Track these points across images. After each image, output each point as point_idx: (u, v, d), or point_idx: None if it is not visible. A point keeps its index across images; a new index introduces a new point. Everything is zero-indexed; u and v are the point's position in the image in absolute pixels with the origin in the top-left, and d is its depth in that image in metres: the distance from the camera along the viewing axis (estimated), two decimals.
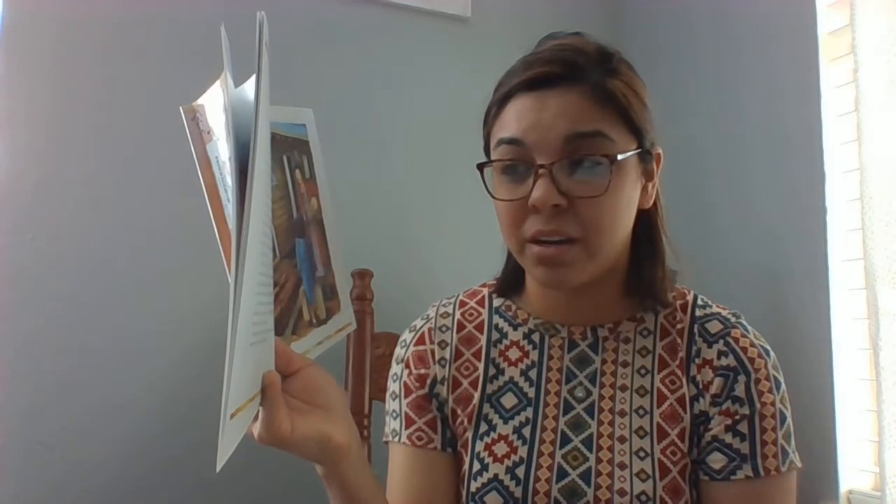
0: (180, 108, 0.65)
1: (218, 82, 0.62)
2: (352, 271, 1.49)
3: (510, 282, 0.96)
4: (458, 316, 0.96)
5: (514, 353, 0.92)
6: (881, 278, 1.16)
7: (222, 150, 0.63)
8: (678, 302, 0.92)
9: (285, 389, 0.64)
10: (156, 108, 1.46)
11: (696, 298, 0.93)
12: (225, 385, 0.52)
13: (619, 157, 0.79)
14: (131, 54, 1.49)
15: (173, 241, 1.48)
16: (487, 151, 0.88)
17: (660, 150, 0.88)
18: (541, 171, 0.79)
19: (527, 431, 0.88)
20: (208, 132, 0.64)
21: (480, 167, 0.85)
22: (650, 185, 0.87)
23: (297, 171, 0.71)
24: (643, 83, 0.86)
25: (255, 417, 0.62)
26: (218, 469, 0.52)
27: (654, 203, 0.89)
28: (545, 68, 0.81)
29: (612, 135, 0.80)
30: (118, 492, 1.40)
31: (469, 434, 0.90)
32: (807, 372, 1.34)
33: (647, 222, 0.89)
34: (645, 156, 0.85)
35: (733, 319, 0.90)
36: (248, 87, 0.58)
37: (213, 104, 0.64)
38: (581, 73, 0.81)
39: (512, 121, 0.82)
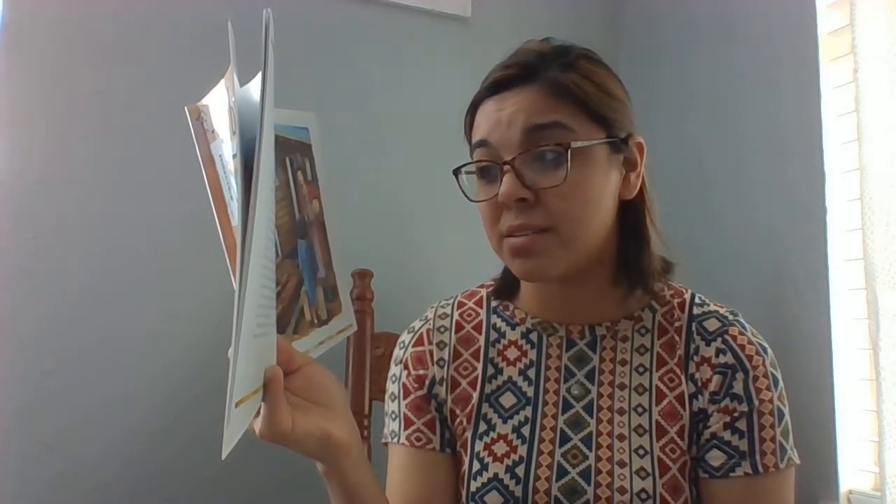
0: (185, 108, 0.66)
1: (222, 82, 0.62)
2: (352, 271, 1.49)
3: (507, 285, 0.97)
4: (456, 317, 0.97)
5: (512, 353, 0.93)
6: (881, 278, 1.16)
7: (226, 149, 0.64)
8: (676, 300, 0.92)
9: (286, 386, 0.64)
10: (156, 107, 1.47)
11: (693, 297, 0.93)
12: (231, 373, 0.52)
13: (575, 144, 0.81)
14: (131, 54, 1.49)
15: (174, 240, 1.48)
16: None
17: (640, 140, 0.88)
18: (505, 167, 0.81)
19: (526, 430, 0.88)
20: (212, 131, 0.65)
21: (455, 172, 0.88)
22: (633, 174, 0.88)
23: (300, 172, 0.72)
24: (611, 75, 0.88)
25: (257, 413, 0.62)
26: (224, 456, 0.52)
27: (641, 193, 0.89)
28: (503, 72, 0.85)
29: (572, 125, 0.82)
30: (117, 491, 1.40)
31: (468, 434, 0.90)
32: (807, 372, 1.34)
33: (634, 212, 0.90)
34: (619, 145, 0.86)
35: (731, 317, 0.90)
36: (252, 87, 0.59)
37: (218, 104, 0.64)
38: (536, 72, 0.84)
39: (480, 125, 0.86)
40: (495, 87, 0.85)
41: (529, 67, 0.84)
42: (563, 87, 0.83)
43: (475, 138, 0.86)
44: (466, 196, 0.87)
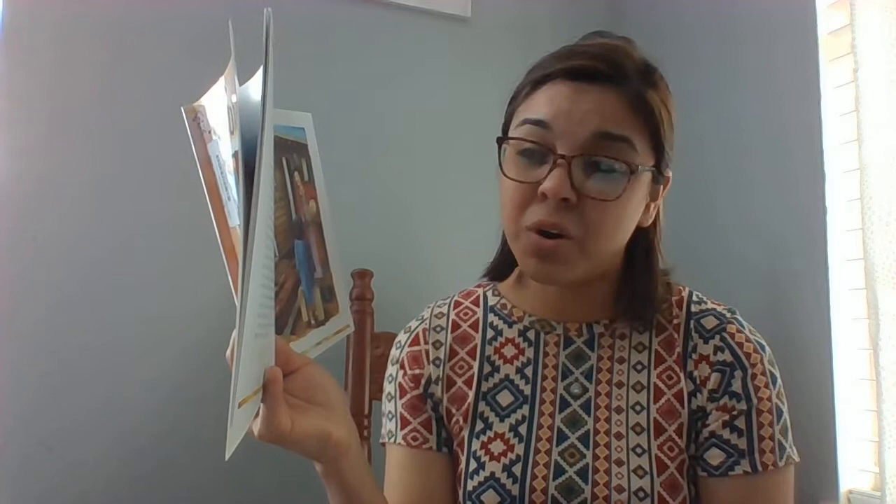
0: (182, 109, 0.66)
1: (220, 81, 0.62)
2: (352, 271, 1.50)
3: (501, 267, 0.97)
4: (452, 316, 0.96)
5: (509, 351, 0.92)
6: (881, 278, 1.16)
7: (223, 149, 0.64)
8: (673, 298, 0.92)
9: (285, 387, 0.64)
10: (155, 107, 1.47)
11: (690, 294, 0.93)
12: (234, 373, 0.53)
13: (640, 167, 0.80)
14: (131, 54, 1.49)
15: (173, 241, 1.48)
16: (505, 131, 0.88)
17: (670, 174, 0.88)
18: (560, 160, 0.78)
19: (523, 429, 0.88)
20: (209, 132, 0.65)
21: (500, 141, 0.85)
22: (652, 204, 0.88)
23: (296, 173, 0.72)
24: (674, 104, 0.87)
25: (256, 414, 0.63)
26: (227, 457, 0.53)
27: (654, 223, 0.90)
28: (590, 62, 0.81)
29: (638, 145, 0.81)
30: (117, 492, 1.41)
31: (465, 433, 0.90)
32: (807, 372, 1.34)
33: (645, 240, 0.90)
34: (658, 176, 0.86)
35: (728, 315, 0.90)
36: (251, 86, 0.59)
37: (215, 104, 0.64)
38: (624, 76, 0.81)
39: (543, 104, 0.82)
40: (574, 73, 0.81)
41: (617, 68, 0.81)
42: (646, 105, 0.81)
43: (532, 114, 0.82)
44: (502, 170, 0.84)
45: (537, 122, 0.81)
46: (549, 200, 0.79)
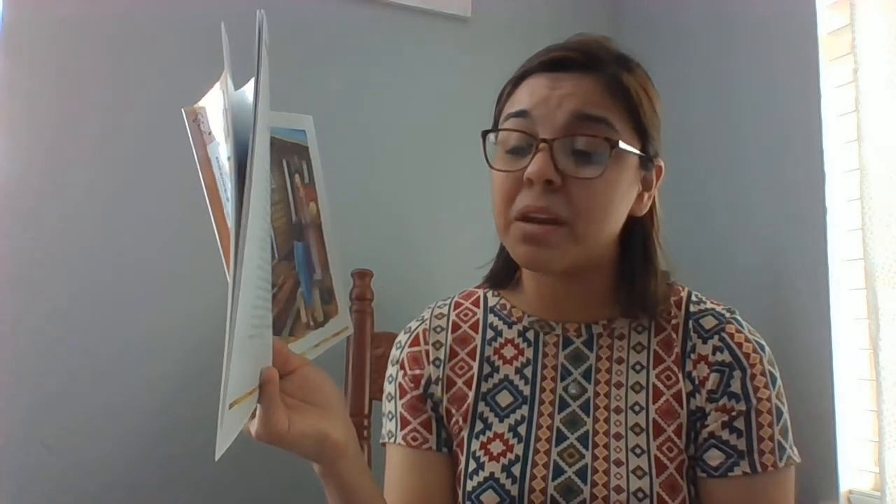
0: (182, 110, 0.66)
1: (218, 83, 0.62)
2: (352, 271, 1.50)
3: (502, 274, 0.97)
4: (453, 316, 0.97)
5: (508, 352, 0.93)
6: (881, 278, 1.16)
7: (222, 151, 0.64)
8: (672, 298, 0.92)
9: (282, 388, 0.64)
10: (157, 108, 1.47)
11: (689, 294, 0.93)
12: (224, 374, 0.53)
13: (621, 144, 0.81)
14: (132, 55, 1.49)
15: (174, 241, 1.48)
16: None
17: (661, 164, 0.89)
18: (541, 145, 0.80)
19: (522, 429, 0.88)
20: (209, 133, 0.65)
21: (484, 134, 0.86)
22: (646, 194, 0.88)
23: (297, 175, 0.72)
24: (657, 94, 0.88)
25: (253, 415, 0.63)
26: (217, 457, 0.53)
27: (651, 214, 0.90)
28: (563, 52, 0.84)
29: (618, 127, 0.82)
30: (118, 492, 1.41)
31: (465, 433, 0.90)
32: (807, 372, 1.34)
33: (641, 232, 0.90)
34: (646, 162, 0.86)
35: (727, 315, 0.90)
36: (248, 89, 0.59)
37: (215, 106, 0.64)
38: (599, 63, 0.83)
39: (524, 96, 0.84)
40: (551, 65, 0.83)
41: (592, 56, 0.83)
42: (622, 87, 0.83)
43: (513, 108, 0.84)
44: (488, 162, 0.85)
45: (519, 114, 0.83)
46: (535, 185, 0.80)
